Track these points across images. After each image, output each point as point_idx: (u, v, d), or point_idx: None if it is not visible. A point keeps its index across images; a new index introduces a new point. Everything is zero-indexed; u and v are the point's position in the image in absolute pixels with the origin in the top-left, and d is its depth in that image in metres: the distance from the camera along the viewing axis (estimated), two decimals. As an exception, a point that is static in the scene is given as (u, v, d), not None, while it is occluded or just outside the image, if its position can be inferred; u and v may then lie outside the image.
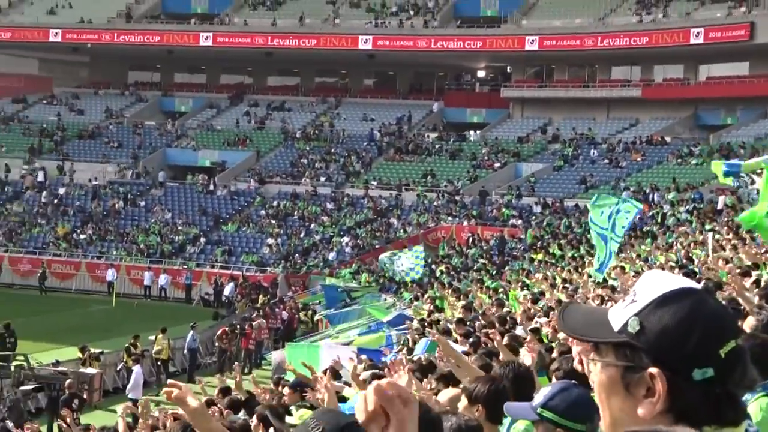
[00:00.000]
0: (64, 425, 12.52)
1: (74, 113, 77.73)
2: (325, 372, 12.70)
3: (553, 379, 6.61)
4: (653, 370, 2.18)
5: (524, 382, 6.65)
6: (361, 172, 66.24)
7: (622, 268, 23.63)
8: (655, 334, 2.20)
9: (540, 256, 38.90)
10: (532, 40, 68.87)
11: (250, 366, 36.23)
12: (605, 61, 69.26)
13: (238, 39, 75.28)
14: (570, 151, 64.43)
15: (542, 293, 23.91)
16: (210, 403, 14.16)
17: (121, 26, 77.85)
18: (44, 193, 66.47)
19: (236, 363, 21.01)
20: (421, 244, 44.89)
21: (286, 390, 11.29)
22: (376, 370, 11.94)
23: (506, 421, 5.97)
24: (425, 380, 10.20)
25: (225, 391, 16.37)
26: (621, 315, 2.27)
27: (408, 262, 40.64)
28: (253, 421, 8.71)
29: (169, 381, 5.08)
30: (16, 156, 71.09)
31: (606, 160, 62.55)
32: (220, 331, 36.92)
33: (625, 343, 2.24)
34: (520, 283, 29.75)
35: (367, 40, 72.67)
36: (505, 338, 11.85)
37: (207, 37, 75.71)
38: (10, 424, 23.59)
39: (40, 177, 68.61)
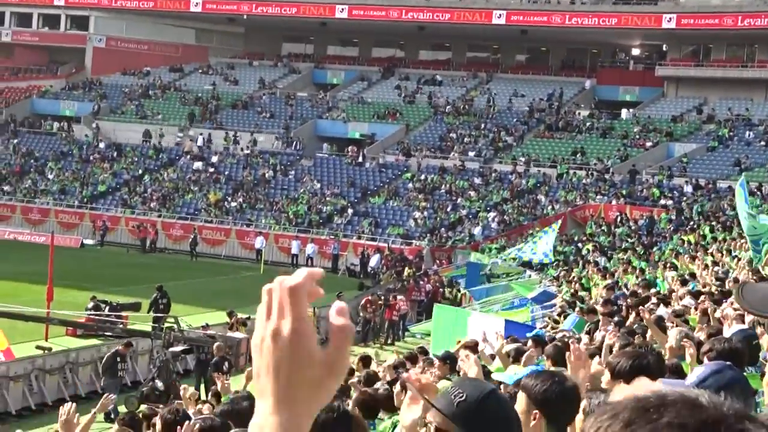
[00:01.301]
0: (220, 387, 12.75)
1: (229, 83, 79.05)
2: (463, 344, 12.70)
3: (705, 361, 6.48)
4: None
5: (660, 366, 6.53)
6: (513, 146, 65.88)
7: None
8: None
9: (690, 238, 38.15)
10: (670, 18, 67.83)
11: (393, 337, 36.47)
12: (765, 41, 67.33)
13: (390, 12, 75.44)
14: (725, 132, 62.94)
15: (692, 275, 23.44)
16: (350, 371, 14.33)
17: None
18: (200, 162, 67.82)
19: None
20: (553, 230, 43.76)
21: (436, 362, 11.32)
22: (520, 344, 11.89)
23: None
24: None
25: (365, 360, 16.54)
26: None
27: (544, 246, 40.73)
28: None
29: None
30: (171, 124, 72.72)
31: (762, 143, 60.95)
32: (363, 301, 37.23)
33: None
34: (668, 264, 29.22)
35: (500, 14, 72.07)
36: (652, 317, 11.66)
37: (343, 9, 75.94)
38: (159, 383, 24.25)
39: (199, 142, 70.08)
